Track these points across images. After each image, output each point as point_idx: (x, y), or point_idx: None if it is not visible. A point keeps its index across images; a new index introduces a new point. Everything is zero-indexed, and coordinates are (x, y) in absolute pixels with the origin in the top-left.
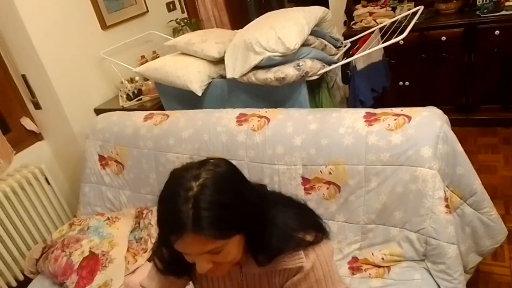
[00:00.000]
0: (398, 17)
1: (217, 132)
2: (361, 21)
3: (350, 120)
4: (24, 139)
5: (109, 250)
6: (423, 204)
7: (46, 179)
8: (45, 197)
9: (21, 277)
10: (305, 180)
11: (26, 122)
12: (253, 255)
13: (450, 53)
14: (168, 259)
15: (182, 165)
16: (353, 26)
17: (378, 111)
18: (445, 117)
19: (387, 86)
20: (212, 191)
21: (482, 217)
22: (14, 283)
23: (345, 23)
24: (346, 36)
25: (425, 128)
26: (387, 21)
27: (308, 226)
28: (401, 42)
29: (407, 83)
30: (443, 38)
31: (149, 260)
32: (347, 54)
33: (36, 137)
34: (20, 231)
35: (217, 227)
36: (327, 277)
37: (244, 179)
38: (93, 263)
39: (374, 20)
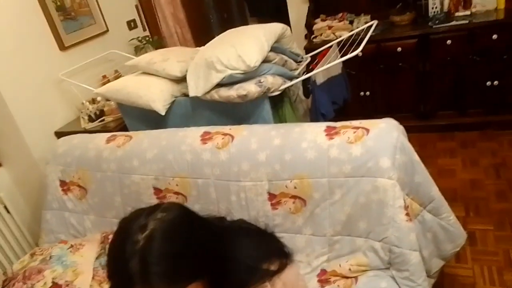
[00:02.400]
0: (354, 31)
1: (181, 151)
2: (320, 35)
3: (312, 134)
4: None
5: (73, 279)
6: (385, 214)
7: (6, 208)
8: (5, 226)
9: None
10: (271, 196)
11: None
12: None
13: (406, 62)
14: None
15: (131, 213)
16: (314, 40)
17: (338, 124)
18: (401, 127)
19: (348, 97)
20: (160, 242)
21: (441, 222)
22: None
23: (306, 36)
24: (307, 49)
25: (383, 140)
26: (345, 35)
27: (271, 254)
28: (360, 54)
29: (368, 93)
30: (399, 49)
31: None
32: (308, 68)
33: None
34: None
35: (168, 281)
36: None
37: (198, 221)
38: None
39: (333, 33)
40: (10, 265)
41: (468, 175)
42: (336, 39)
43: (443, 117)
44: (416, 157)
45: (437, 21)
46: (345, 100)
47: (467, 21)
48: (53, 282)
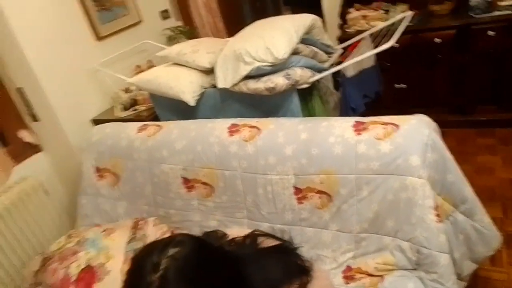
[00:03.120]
0: (388, 22)
1: (210, 143)
2: (354, 25)
3: (340, 129)
4: (22, 151)
5: (105, 262)
6: (414, 213)
7: (45, 191)
8: (44, 209)
9: None
10: (297, 190)
11: (23, 135)
12: None
13: (445, 54)
14: None
15: (142, 248)
16: (347, 30)
17: (367, 119)
18: (434, 124)
19: (380, 91)
20: (174, 283)
21: (475, 224)
22: None
23: (339, 26)
24: (341, 39)
25: (413, 137)
26: (378, 26)
27: (291, 274)
28: (396, 45)
29: (403, 85)
30: (437, 39)
31: None
32: (338, 60)
33: (34, 149)
34: (21, 243)
35: None
36: None
37: (212, 253)
38: (89, 275)
39: (368, 24)
40: (49, 246)
41: (508, 174)
42: (370, 29)
43: (483, 112)
44: (448, 155)
45: (478, 11)
46: (377, 93)
47: (511, 11)
48: (87, 264)
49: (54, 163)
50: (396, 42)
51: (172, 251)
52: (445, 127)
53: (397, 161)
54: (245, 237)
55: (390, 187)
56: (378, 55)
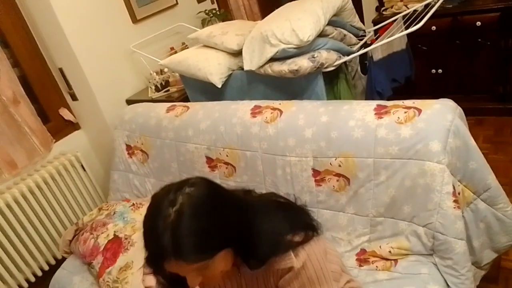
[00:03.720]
0: (419, 4)
1: (232, 123)
2: (391, 7)
3: (361, 113)
4: (62, 128)
5: (131, 234)
6: (431, 199)
7: (82, 166)
8: (81, 182)
9: (53, 262)
10: (315, 172)
11: (64, 113)
12: (244, 262)
13: (486, 39)
14: (168, 277)
15: (161, 188)
16: (384, 12)
17: (390, 103)
18: (459, 109)
19: (411, 75)
20: (189, 217)
21: (497, 213)
22: (52, 261)
23: (376, 8)
24: (376, 22)
25: (435, 122)
26: (412, 8)
27: (296, 227)
28: (433, 28)
29: (440, 70)
30: (478, 23)
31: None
32: (366, 43)
33: (73, 126)
34: (58, 213)
35: (198, 251)
36: (320, 275)
37: (224, 196)
38: (116, 245)
39: (405, 6)
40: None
41: None
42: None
43: None
44: (472, 142)
45: None
46: (408, 78)
47: None
48: (114, 235)
49: (91, 140)
50: (434, 25)
51: (188, 190)
52: (483, 115)
53: (416, 146)
54: (262, 194)
55: (408, 172)
56: (414, 38)
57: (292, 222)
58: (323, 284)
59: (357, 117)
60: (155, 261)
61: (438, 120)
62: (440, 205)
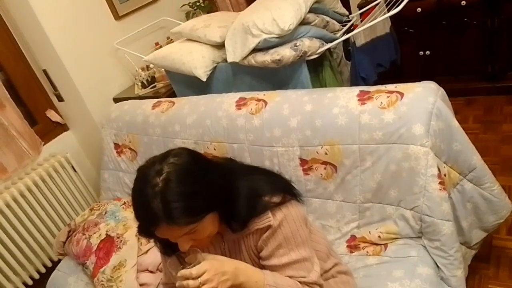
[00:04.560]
0: None
1: (218, 117)
2: None
3: (344, 100)
4: (50, 130)
5: (123, 232)
6: (417, 182)
7: (73, 167)
8: (72, 183)
9: (49, 264)
10: (303, 161)
11: (51, 114)
12: (227, 225)
13: (472, 18)
14: (161, 242)
15: (146, 161)
16: None
17: (372, 88)
18: (441, 91)
19: (396, 59)
20: (176, 183)
21: (483, 192)
22: (49, 263)
23: None
24: (362, 6)
25: (417, 105)
26: None
27: (275, 190)
28: (419, 9)
29: (427, 52)
30: (463, 2)
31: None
32: (349, 28)
33: (62, 127)
34: (51, 215)
35: (187, 214)
36: (296, 235)
37: (207, 164)
38: (109, 245)
39: None
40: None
41: None
42: None
43: None
44: (455, 123)
45: None
46: (393, 62)
47: None
48: (106, 234)
49: (80, 141)
50: (419, 7)
51: (172, 159)
52: (473, 95)
53: (400, 130)
54: (244, 163)
55: (393, 157)
56: (400, 21)
57: (272, 185)
58: (299, 245)
59: (341, 104)
60: (147, 229)
61: (420, 103)
62: (426, 188)
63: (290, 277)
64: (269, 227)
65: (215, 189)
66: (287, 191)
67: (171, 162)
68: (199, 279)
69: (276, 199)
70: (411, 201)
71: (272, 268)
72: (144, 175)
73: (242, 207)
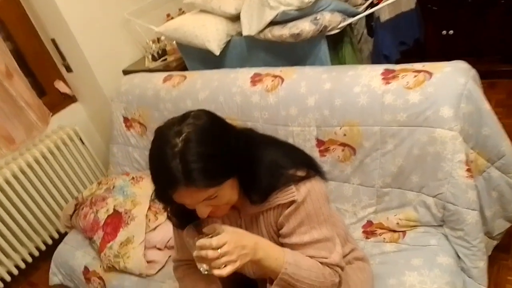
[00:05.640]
0: None
1: (232, 93)
2: None
3: (367, 78)
4: (59, 101)
5: (131, 208)
6: (441, 168)
7: (81, 140)
8: (81, 156)
9: (56, 235)
10: (319, 142)
11: (59, 85)
12: (247, 196)
13: None
14: (177, 212)
15: (164, 122)
16: None
17: (398, 67)
18: (472, 72)
19: (420, 37)
20: (196, 144)
21: (510, 181)
22: (55, 235)
23: None
24: None
25: (446, 86)
26: None
27: (299, 163)
28: None
29: (451, 31)
30: None
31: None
32: (372, 3)
33: (70, 99)
34: (59, 188)
35: (207, 177)
36: (318, 213)
37: (227, 126)
38: (116, 220)
39: None
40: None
41: None
42: None
43: None
44: (486, 106)
45: None
46: (417, 40)
47: None
48: (114, 210)
49: (89, 113)
50: None
51: (191, 120)
52: (496, 77)
53: (426, 112)
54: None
55: (417, 140)
56: None
57: (295, 158)
58: (321, 224)
59: (363, 83)
60: (164, 193)
61: (449, 84)
62: (452, 174)
63: (311, 257)
64: (292, 202)
65: (235, 153)
66: (311, 167)
67: (191, 123)
68: (219, 250)
69: (300, 173)
70: (434, 187)
71: (293, 247)
72: (163, 136)
73: (263, 177)
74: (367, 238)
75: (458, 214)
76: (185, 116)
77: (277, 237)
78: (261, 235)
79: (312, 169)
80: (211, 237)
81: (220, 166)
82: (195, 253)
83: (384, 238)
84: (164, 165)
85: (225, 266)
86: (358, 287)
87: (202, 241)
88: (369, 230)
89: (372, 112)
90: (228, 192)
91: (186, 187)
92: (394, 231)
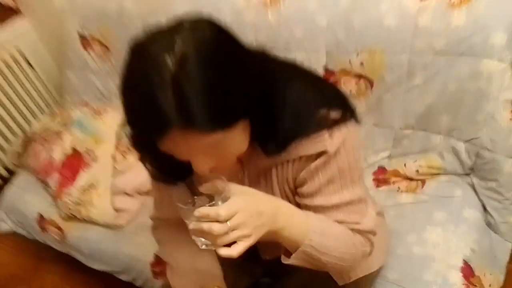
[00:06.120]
0: None
1: (218, 8)
2: None
3: None
4: None
5: (93, 148)
6: (482, 108)
7: (29, 62)
8: (29, 83)
9: (5, 174)
10: (328, 72)
11: None
12: (260, 144)
13: None
14: (160, 164)
15: (145, 34)
16: None
17: None
18: None
19: None
20: (197, 66)
21: None
22: (4, 173)
23: None
24: None
25: (501, 6)
26: None
27: (332, 102)
28: None
29: None
30: None
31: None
32: None
33: (13, 12)
34: (5, 119)
35: (212, 115)
36: (353, 168)
37: (237, 45)
38: (75, 161)
39: None
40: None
41: None
42: None
43: None
44: None
45: None
46: None
47: None
48: (72, 149)
49: (37, 30)
50: None
51: (188, 32)
52: None
53: (473, 38)
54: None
55: (455, 73)
56: None
57: (327, 95)
58: (354, 182)
59: None
60: (147, 138)
61: (505, 4)
62: (494, 116)
63: (339, 222)
64: (322, 153)
65: (251, 84)
66: (345, 106)
67: (187, 36)
68: (228, 222)
69: (335, 114)
70: (468, 131)
71: (316, 209)
72: (146, 54)
73: (287, 120)
74: (377, 186)
75: (494, 163)
76: (178, 27)
77: (292, 196)
78: (271, 194)
79: (347, 109)
80: (214, 203)
81: (230, 100)
82: (191, 225)
83: (399, 187)
84: (148, 98)
85: (235, 243)
86: (375, 245)
87: (204, 210)
88: (381, 178)
89: (401, 36)
90: (238, 138)
91: (181, 130)
92: (411, 179)
